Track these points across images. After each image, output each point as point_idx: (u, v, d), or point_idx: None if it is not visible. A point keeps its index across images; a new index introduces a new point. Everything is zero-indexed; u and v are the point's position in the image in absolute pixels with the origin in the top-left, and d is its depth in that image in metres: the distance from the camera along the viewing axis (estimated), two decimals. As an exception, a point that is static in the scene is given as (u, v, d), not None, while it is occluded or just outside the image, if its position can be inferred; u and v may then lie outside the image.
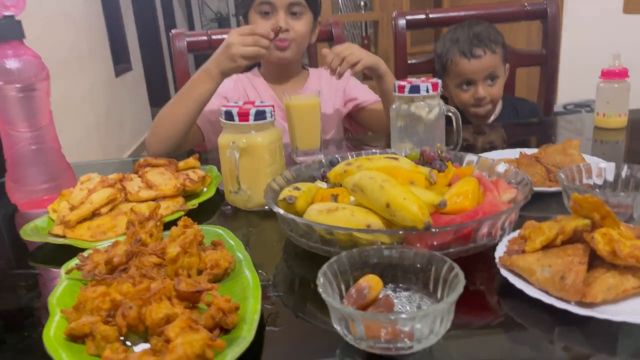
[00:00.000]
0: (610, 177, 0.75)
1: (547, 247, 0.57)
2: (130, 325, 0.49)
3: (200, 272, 0.62)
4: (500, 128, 1.37)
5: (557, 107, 3.10)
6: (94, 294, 0.52)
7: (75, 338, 0.51)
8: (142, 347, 0.49)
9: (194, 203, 0.84)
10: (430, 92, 0.94)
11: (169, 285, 0.53)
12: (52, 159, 0.92)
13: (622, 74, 1.13)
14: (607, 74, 1.14)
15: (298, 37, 1.27)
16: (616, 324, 0.49)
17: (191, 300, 0.53)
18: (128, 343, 0.51)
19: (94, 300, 0.52)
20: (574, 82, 3.05)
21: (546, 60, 1.53)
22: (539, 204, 0.79)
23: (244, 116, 0.81)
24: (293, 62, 1.34)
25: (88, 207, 0.75)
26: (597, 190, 0.74)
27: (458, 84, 1.40)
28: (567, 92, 3.34)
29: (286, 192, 0.70)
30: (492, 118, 1.49)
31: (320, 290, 0.48)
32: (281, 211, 0.66)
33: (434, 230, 0.58)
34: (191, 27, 7.56)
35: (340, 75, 1.16)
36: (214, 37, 1.42)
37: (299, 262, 0.70)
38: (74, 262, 0.64)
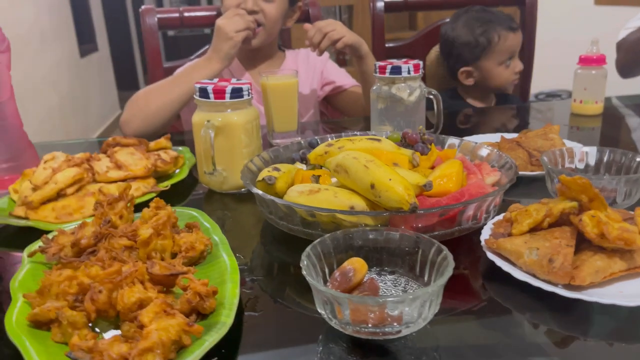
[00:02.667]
0: (592, 162, 0.75)
1: (534, 230, 0.56)
2: (99, 311, 0.46)
3: (174, 256, 0.59)
4: (476, 114, 1.36)
5: (530, 96, 3.14)
6: (59, 277, 0.49)
7: (40, 324, 0.47)
8: (113, 334, 0.46)
9: (166, 184, 0.80)
10: (412, 73, 0.92)
11: (142, 269, 0.49)
12: (13, 137, 0.86)
13: (600, 60, 1.13)
14: (585, 60, 1.14)
15: (267, 20, 1.22)
16: (604, 307, 0.49)
17: (165, 284, 0.50)
18: (97, 330, 0.48)
19: (60, 284, 0.48)
20: (545, 73, 3.09)
21: (523, 47, 1.53)
22: (522, 189, 0.79)
23: (219, 93, 0.78)
24: (265, 46, 1.29)
25: (52, 187, 0.70)
26: (580, 174, 0.74)
27: (503, 60, 1.39)
28: (538, 82, 3.39)
29: (265, 173, 0.67)
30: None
31: (304, 272, 0.46)
32: (260, 192, 0.63)
33: (420, 212, 0.56)
34: (159, 6, 7.36)
35: (321, 52, 1.13)
36: (186, 14, 1.36)
37: (278, 246, 0.68)
38: (37, 244, 0.60)
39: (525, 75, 1.57)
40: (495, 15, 1.40)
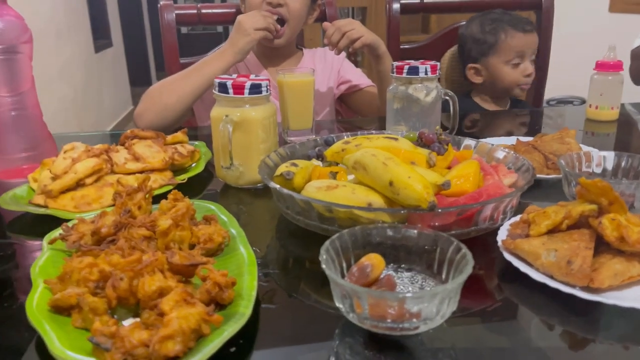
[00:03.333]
0: (609, 166, 0.75)
1: (552, 231, 0.56)
2: (120, 298, 0.47)
3: (192, 247, 0.59)
4: (490, 117, 1.36)
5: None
6: (80, 264, 0.49)
7: (60, 310, 0.48)
8: (131, 321, 0.47)
9: (183, 177, 0.81)
10: (429, 74, 0.92)
11: (162, 258, 0.50)
12: (33, 127, 0.87)
13: (617, 66, 1.13)
14: (601, 66, 1.14)
15: (292, 16, 1.23)
16: (622, 310, 0.49)
17: (185, 274, 0.51)
18: (116, 317, 0.48)
19: (81, 271, 0.49)
20: (557, 79, 3.07)
21: (539, 52, 1.53)
22: (537, 192, 0.79)
23: (238, 89, 0.78)
24: (286, 45, 1.30)
25: (72, 177, 0.71)
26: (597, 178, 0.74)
27: (509, 59, 1.39)
28: (550, 88, 3.37)
29: (283, 168, 0.68)
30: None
31: (323, 266, 0.46)
32: (278, 187, 0.64)
33: (438, 210, 0.56)
34: (175, 2, 7.41)
35: (339, 51, 1.13)
36: (203, 10, 1.37)
37: (293, 241, 0.68)
38: (57, 232, 0.61)
39: (540, 81, 1.56)
40: (508, 16, 1.41)
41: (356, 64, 3.60)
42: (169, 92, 1.13)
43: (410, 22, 3.66)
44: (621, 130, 1.17)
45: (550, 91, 3.29)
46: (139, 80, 5.62)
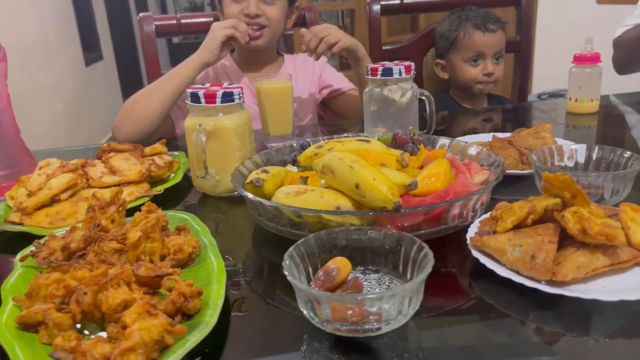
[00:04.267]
0: (581, 159, 0.75)
1: (519, 227, 0.57)
2: (85, 312, 0.47)
3: (163, 258, 0.59)
4: (474, 114, 1.37)
5: (532, 97, 3.13)
6: (47, 280, 0.49)
7: (28, 327, 0.48)
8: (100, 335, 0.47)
9: (159, 189, 0.81)
10: (403, 75, 0.93)
11: (128, 271, 0.50)
12: (11, 145, 0.87)
13: (594, 58, 1.13)
14: (579, 59, 1.14)
15: (271, 23, 1.24)
16: (586, 302, 0.49)
17: (151, 285, 0.51)
18: (86, 332, 0.49)
19: (48, 287, 0.49)
20: (548, 72, 3.08)
21: (520, 47, 1.53)
22: (512, 187, 0.79)
23: (210, 98, 0.79)
24: (266, 49, 1.31)
25: (46, 193, 0.72)
26: (568, 171, 0.74)
27: (468, 58, 1.40)
28: (541, 81, 3.38)
29: (253, 175, 0.68)
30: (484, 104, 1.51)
31: (285, 272, 0.46)
32: (249, 195, 0.64)
33: (403, 210, 0.56)
34: (164, 12, 7.43)
35: (318, 56, 1.14)
36: (183, 20, 1.38)
37: (268, 248, 0.68)
38: (29, 249, 0.61)
39: (523, 76, 1.57)
40: (475, 14, 1.41)
41: (348, 66, 3.63)
42: (144, 102, 1.14)
43: (398, 22, 3.68)
44: (602, 122, 1.17)
45: (541, 85, 3.31)
46: (132, 91, 5.61)
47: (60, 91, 3.54)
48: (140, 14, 1.36)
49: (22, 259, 0.59)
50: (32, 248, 0.60)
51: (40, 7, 3.36)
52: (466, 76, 1.42)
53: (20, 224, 0.71)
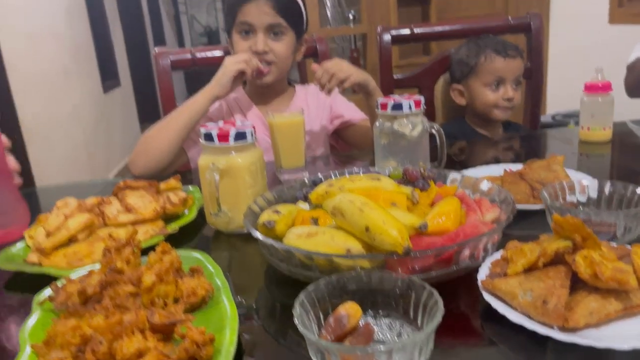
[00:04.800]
0: (593, 194, 0.75)
1: (529, 269, 0.56)
2: (100, 362, 0.48)
3: (177, 300, 0.60)
4: (485, 142, 1.37)
5: (545, 117, 3.12)
6: (64, 327, 0.51)
7: (45, 375, 0.49)
8: (114, 383, 0.48)
9: (174, 227, 0.82)
10: (413, 109, 0.93)
11: (142, 317, 0.51)
12: (1, 192, 0.86)
13: (606, 87, 1.13)
14: (590, 88, 1.14)
15: (278, 59, 1.26)
16: (599, 351, 0.48)
17: (165, 332, 0.52)
18: (100, 378, 0.50)
19: (64, 335, 0.50)
20: (562, 92, 3.07)
21: (531, 74, 1.54)
22: (524, 222, 0.79)
23: (223, 137, 0.80)
24: (276, 82, 1.33)
25: (64, 234, 0.73)
26: (581, 208, 0.74)
27: (488, 82, 1.42)
28: (555, 102, 3.37)
29: (265, 216, 0.69)
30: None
31: (296, 321, 0.47)
32: (260, 236, 0.65)
33: (413, 254, 0.57)
34: (180, 41, 7.58)
35: (329, 92, 1.16)
36: (197, 54, 1.41)
37: (281, 287, 0.69)
38: (47, 292, 0.63)
39: (535, 102, 1.57)
40: (493, 41, 1.43)
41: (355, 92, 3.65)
42: (158, 137, 1.17)
43: (410, 46, 3.70)
44: (617, 150, 1.16)
45: (554, 105, 3.29)
46: (149, 116, 5.73)
47: (79, 118, 3.62)
48: (157, 49, 1.39)
49: (41, 303, 0.60)
50: (49, 291, 0.62)
51: (60, 36, 3.45)
52: (486, 101, 1.42)
53: (39, 264, 0.73)
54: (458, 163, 1.15)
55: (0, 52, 2.60)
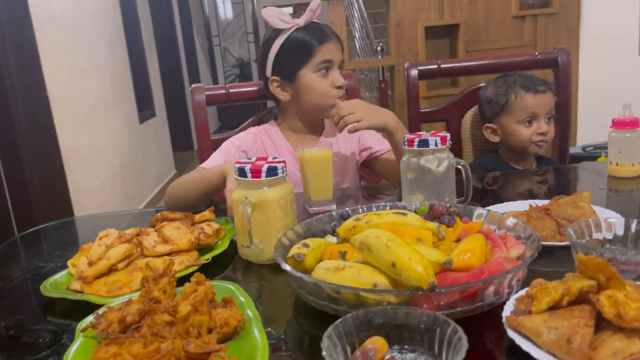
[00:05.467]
0: (620, 232, 0.75)
1: (554, 307, 0.57)
2: (139, 388, 0.51)
3: (210, 330, 0.63)
4: (512, 176, 1.37)
5: (576, 148, 3.09)
6: (105, 354, 0.54)
7: (87, 399, 0.52)
8: (151, 408, 0.50)
9: (207, 257, 0.86)
10: (439, 145, 0.96)
11: (178, 346, 0.54)
12: None
13: (633, 123, 1.13)
14: (618, 124, 1.15)
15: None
16: (624, 390, 0.49)
17: (199, 361, 0.55)
18: (138, 404, 0.52)
19: (106, 361, 0.53)
20: (592, 124, 3.05)
21: (559, 108, 1.55)
22: (550, 258, 0.79)
23: (256, 173, 0.84)
24: (309, 116, 1.37)
25: (105, 263, 0.78)
26: (607, 246, 0.74)
27: (522, 119, 1.43)
28: (586, 133, 3.33)
29: (295, 250, 0.72)
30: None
31: (324, 354, 0.49)
32: (289, 269, 0.68)
33: (439, 290, 0.59)
34: (213, 73, 7.80)
35: (340, 130, 1.21)
36: (231, 90, 1.47)
37: (309, 319, 0.71)
38: (89, 319, 0.66)
39: (563, 137, 1.57)
40: (522, 78, 1.45)
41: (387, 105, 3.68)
42: (180, 193, 1.23)
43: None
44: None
45: (585, 137, 3.26)
46: (181, 145, 5.89)
47: (116, 147, 3.76)
48: (193, 85, 1.46)
49: (83, 330, 0.64)
50: (91, 318, 0.65)
51: (102, 69, 3.62)
52: (521, 138, 1.44)
53: (81, 292, 0.77)
54: (490, 192, 1.16)
55: (45, 85, 2.74)
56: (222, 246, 0.92)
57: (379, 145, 1.41)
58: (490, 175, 1.36)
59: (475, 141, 1.63)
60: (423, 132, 1.00)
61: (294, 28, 1.28)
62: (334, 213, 0.89)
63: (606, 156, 1.27)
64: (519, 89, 1.42)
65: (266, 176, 0.84)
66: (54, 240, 1.21)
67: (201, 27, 7.63)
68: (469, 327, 0.51)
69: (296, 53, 1.29)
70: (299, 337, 0.68)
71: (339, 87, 1.30)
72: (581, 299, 0.57)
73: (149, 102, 4.69)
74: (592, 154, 2.90)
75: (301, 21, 1.28)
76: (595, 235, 0.76)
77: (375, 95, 4.38)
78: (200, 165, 1.31)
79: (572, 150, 2.43)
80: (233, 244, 0.97)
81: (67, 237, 1.25)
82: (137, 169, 4.18)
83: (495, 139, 1.49)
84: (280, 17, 1.29)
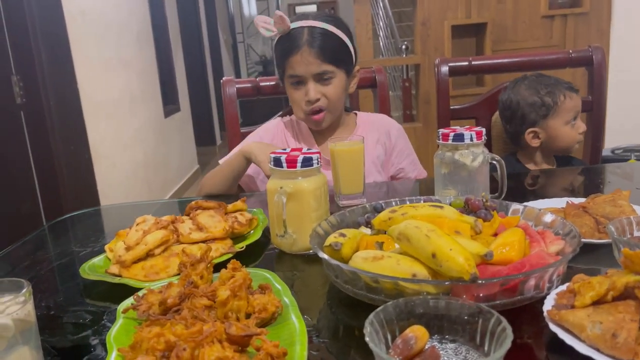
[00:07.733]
0: (661, 230, 0.74)
1: (598, 302, 0.56)
2: (183, 367, 0.51)
3: (248, 316, 0.64)
4: (543, 176, 1.35)
5: (605, 151, 3.03)
6: (149, 334, 0.55)
7: (131, 377, 0.53)
8: (193, 388, 0.51)
9: (241, 245, 0.87)
10: (475, 140, 0.95)
11: (220, 329, 0.55)
12: None
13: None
14: (656, 123, 1.12)
15: (330, 102, 1.29)
16: (673, 387, 0.48)
17: (241, 344, 0.55)
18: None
19: (150, 341, 0.54)
20: (622, 126, 2.99)
21: (592, 107, 1.52)
22: (588, 256, 0.78)
23: (291, 163, 0.84)
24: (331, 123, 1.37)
25: (143, 248, 0.79)
26: (649, 244, 0.73)
27: (568, 120, 1.44)
28: (615, 135, 3.27)
29: (332, 239, 0.72)
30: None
31: (367, 339, 0.49)
32: (327, 257, 0.68)
33: (480, 282, 0.58)
34: (237, 69, 7.86)
35: None
36: (261, 83, 1.49)
37: (343, 309, 0.71)
38: (129, 301, 0.68)
39: (596, 136, 1.54)
40: (555, 79, 1.45)
41: (410, 117, 3.66)
42: (211, 183, 1.30)
43: (465, 77, 3.71)
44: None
45: (614, 139, 3.20)
46: (205, 140, 5.95)
47: (141, 141, 3.81)
48: (224, 78, 1.48)
49: (124, 311, 0.65)
50: (132, 300, 0.67)
51: (129, 65, 3.67)
52: (569, 138, 1.45)
53: (119, 275, 0.79)
54: (516, 195, 1.15)
55: (76, 80, 2.79)
56: (255, 235, 0.92)
57: (411, 167, 1.42)
58: (520, 174, 1.35)
59: (501, 142, 1.61)
60: (457, 127, 1.00)
61: (278, 36, 1.29)
62: (367, 205, 0.89)
63: (637, 159, 1.25)
64: (565, 89, 1.41)
65: (301, 166, 0.85)
66: (86, 227, 1.23)
67: (226, 24, 7.69)
68: (508, 320, 0.51)
69: (278, 64, 1.33)
70: (333, 326, 0.68)
71: (310, 102, 1.27)
72: (626, 294, 0.56)
73: (174, 97, 4.75)
74: (622, 157, 2.84)
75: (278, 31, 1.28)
76: (637, 233, 0.74)
77: (399, 94, 4.36)
78: (220, 160, 1.35)
79: (602, 152, 2.39)
80: (264, 234, 0.98)
81: (99, 224, 1.27)
82: (160, 162, 4.23)
83: (536, 143, 1.47)
84: (264, 26, 1.29)
